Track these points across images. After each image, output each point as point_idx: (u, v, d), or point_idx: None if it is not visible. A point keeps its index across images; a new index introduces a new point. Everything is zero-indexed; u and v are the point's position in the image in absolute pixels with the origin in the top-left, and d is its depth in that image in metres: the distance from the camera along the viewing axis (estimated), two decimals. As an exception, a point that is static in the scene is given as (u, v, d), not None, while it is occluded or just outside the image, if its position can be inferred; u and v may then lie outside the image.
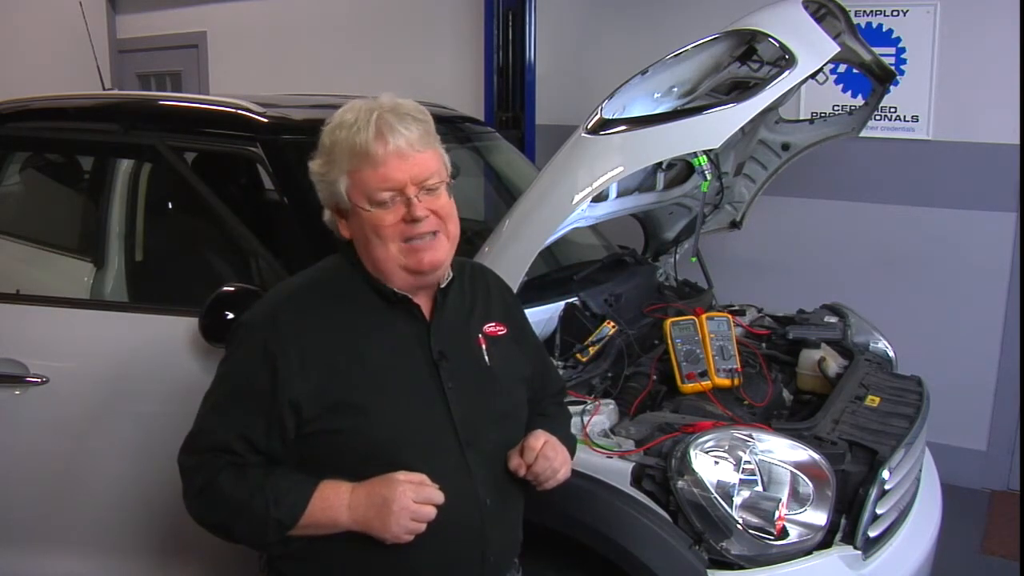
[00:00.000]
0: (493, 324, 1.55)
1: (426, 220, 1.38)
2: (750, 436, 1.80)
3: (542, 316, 2.24)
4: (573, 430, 1.77)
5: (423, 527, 1.35)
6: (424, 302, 1.47)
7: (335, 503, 1.35)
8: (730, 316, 2.29)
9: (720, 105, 2.08)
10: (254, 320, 1.44)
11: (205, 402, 1.44)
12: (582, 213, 2.16)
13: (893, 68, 2.80)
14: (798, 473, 1.75)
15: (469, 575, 1.46)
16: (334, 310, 1.43)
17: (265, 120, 2.35)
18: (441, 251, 1.42)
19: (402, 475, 1.35)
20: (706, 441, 1.77)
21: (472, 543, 1.44)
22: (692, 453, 1.74)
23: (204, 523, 1.42)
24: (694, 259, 2.89)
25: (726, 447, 1.77)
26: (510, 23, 4.36)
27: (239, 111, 2.40)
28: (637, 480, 1.78)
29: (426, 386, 1.43)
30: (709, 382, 2.10)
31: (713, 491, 1.71)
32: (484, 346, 1.52)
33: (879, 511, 1.83)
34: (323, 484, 1.37)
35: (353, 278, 1.46)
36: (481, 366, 1.50)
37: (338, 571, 1.43)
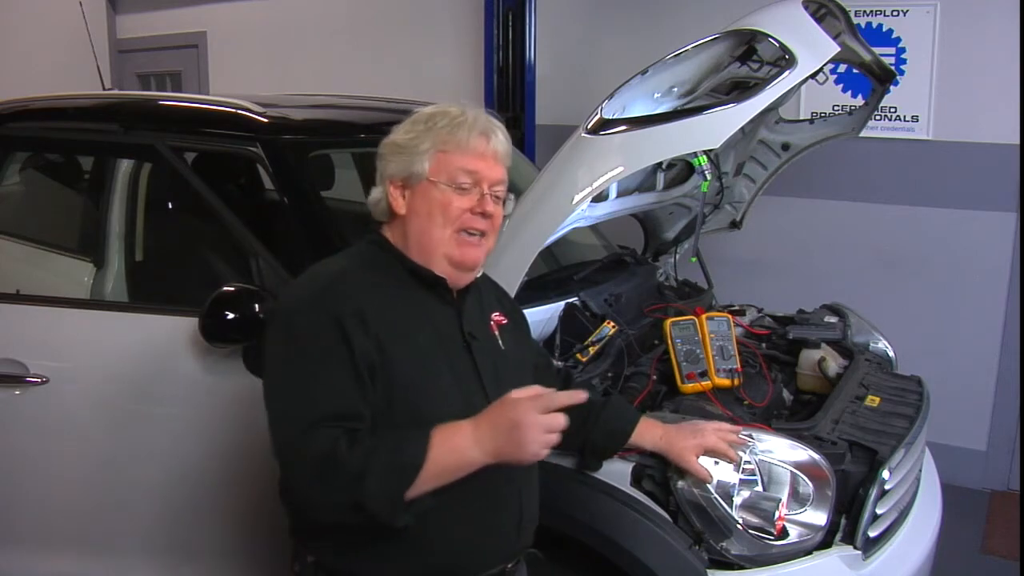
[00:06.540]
0: (498, 314, 1.63)
1: (487, 219, 1.49)
2: (750, 436, 1.79)
3: (542, 316, 2.24)
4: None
5: (557, 438, 1.34)
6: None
7: (460, 442, 1.34)
8: (730, 316, 2.29)
9: (720, 105, 2.07)
10: (311, 298, 1.43)
11: (283, 390, 1.39)
12: (582, 213, 2.16)
13: (893, 68, 2.80)
14: (798, 473, 1.75)
15: (507, 545, 1.52)
16: (381, 289, 1.46)
17: (265, 120, 2.35)
18: (482, 252, 1.52)
19: (515, 393, 1.35)
20: (706, 441, 1.77)
21: (512, 514, 1.51)
22: (692, 453, 1.74)
23: (329, 505, 1.34)
24: (694, 259, 2.89)
25: (726, 447, 1.77)
26: (510, 23, 4.36)
27: (239, 111, 2.40)
28: (637, 480, 1.78)
29: (464, 365, 1.50)
30: (709, 382, 2.10)
31: (713, 491, 1.71)
32: (497, 332, 1.60)
33: (879, 511, 1.83)
34: (437, 428, 1.35)
35: (390, 261, 1.51)
36: (499, 349, 1.58)
37: (385, 554, 1.43)
